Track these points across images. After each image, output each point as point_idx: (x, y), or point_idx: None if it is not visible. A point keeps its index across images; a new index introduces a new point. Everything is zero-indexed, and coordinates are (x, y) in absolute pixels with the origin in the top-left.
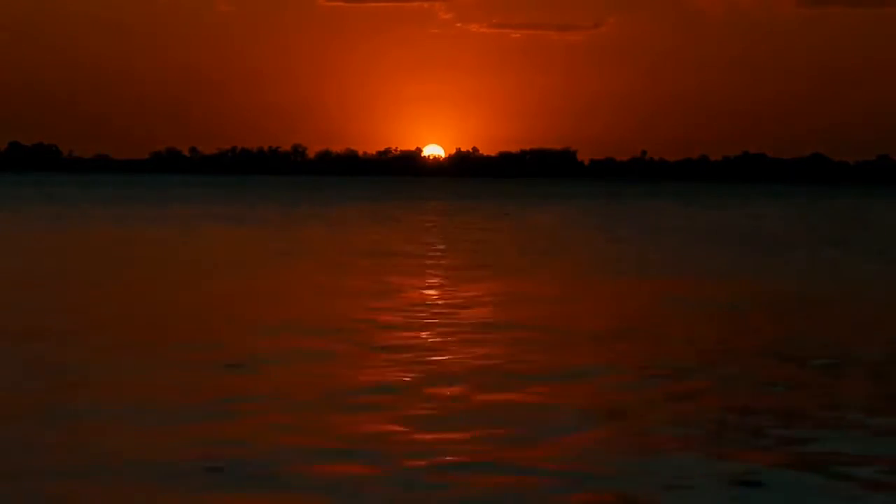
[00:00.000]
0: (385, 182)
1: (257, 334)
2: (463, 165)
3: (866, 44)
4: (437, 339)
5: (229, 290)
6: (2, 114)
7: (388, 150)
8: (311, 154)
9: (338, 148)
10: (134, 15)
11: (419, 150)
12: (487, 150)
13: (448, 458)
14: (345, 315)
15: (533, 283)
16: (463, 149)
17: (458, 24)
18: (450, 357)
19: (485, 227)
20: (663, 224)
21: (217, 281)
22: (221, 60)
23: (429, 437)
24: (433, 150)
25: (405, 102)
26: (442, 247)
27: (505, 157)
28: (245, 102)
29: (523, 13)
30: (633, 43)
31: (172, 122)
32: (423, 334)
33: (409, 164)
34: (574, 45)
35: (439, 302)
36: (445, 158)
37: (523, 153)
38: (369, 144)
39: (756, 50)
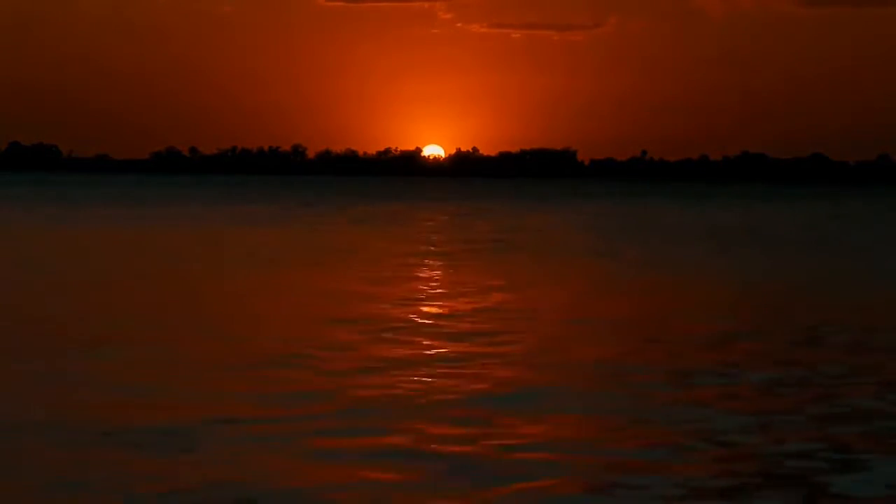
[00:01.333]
0: (387, 182)
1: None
2: (463, 165)
3: (866, 44)
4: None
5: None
6: (2, 114)
7: (388, 150)
8: (311, 154)
9: (338, 148)
10: (135, 15)
11: (419, 150)
12: (487, 150)
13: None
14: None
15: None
16: (463, 149)
17: (459, 24)
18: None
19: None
20: (662, 224)
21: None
22: (222, 60)
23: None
24: (433, 150)
25: (405, 102)
26: (442, 244)
27: (505, 157)
28: (245, 102)
29: (523, 13)
30: (634, 43)
31: (172, 122)
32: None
33: (409, 164)
34: (574, 45)
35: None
36: (445, 158)
37: (523, 153)
38: (369, 144)
39: (756, 50)
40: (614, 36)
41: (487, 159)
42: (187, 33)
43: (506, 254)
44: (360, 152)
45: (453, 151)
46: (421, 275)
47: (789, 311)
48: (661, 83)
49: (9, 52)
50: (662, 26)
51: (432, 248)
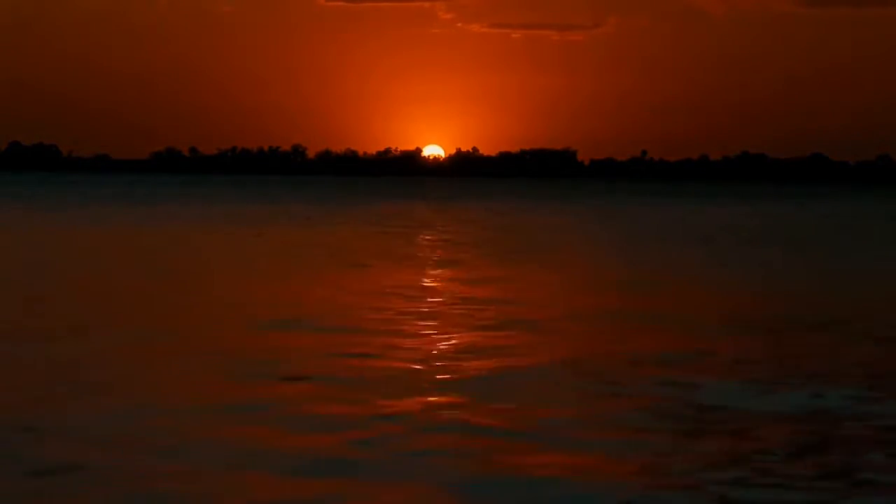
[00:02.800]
0: (389, 182)
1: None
2: (463, 165)
3: (866, 44)
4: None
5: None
6: (2, 114)
7: (388, 150)
8: (311, 154)
9: (338, 148)
10: (134, 15)
11: (419, 150)
12: (487, 150)
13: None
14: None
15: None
16: (463, 149)
17: (459, 24)
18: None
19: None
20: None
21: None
22: (221, 60)
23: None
24: (433, 150)
25: (405, 102)
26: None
27: (505, 157)
28: (245, 102)
29: (523, 13)
30: (634, 43)
31: (172, 122)
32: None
33: (409, 164)
34: (574, 45)
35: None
36: (445, 158)
37: (523, 153)
38: (369, 144)
39: (756, 50)
40: (614, 36)
41: (487, 159)
42: (187, 33)
43: (511, 255)
44: (360, 152)
45: (453, 151)
46: (428, 278)
47: (778, 312)
48: (661, 83)
49: (9, 52)
50: (662, 26)
51: (438, 250)
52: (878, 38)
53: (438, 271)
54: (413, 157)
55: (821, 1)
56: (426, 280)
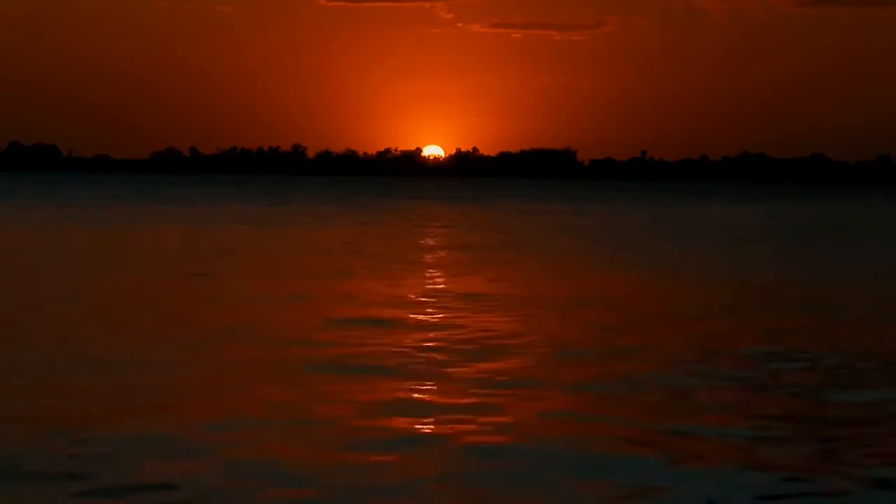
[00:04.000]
0: (389, 182)
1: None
2: (463, 165)
3: (867, 44)
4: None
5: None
6: (2, 114)
7: (388, 150)
8: (311, 154)
9: (338, 148)
10: (134, 15)
11: (419, 150)
12: (487, 150)
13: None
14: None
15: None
16: (463, 149)
17: (459, 24)
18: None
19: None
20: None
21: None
22: (221, 60)
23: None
24: (433, 150)
25: (405, 102)
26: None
27: (505, 157)
28: (245, 102)
29: (524, 13)
30: (634, 43)
31: (172, 122)
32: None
33: (409, 164)
34: (575, 44)
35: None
36: (445, 158)
37: (523, 153)
38: (369, 144)
39: (756, 50)
40: (615, 36)
41: (487, 159)
42: (187, 33)
43: (518, 254)
44: (360, 152)
45: (453, 151)
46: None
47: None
48: (661, 83)
49: (9, 52)
50: (663, 26)
51: (440, 251)
52: (878, 38)
53: (441, 273)
54: (413, 157)
55: (821, 1)
56: (431, 283)
